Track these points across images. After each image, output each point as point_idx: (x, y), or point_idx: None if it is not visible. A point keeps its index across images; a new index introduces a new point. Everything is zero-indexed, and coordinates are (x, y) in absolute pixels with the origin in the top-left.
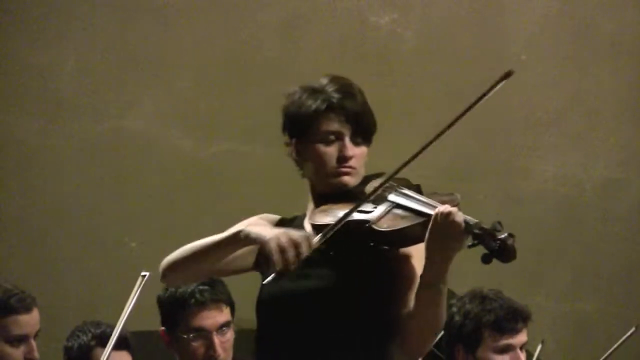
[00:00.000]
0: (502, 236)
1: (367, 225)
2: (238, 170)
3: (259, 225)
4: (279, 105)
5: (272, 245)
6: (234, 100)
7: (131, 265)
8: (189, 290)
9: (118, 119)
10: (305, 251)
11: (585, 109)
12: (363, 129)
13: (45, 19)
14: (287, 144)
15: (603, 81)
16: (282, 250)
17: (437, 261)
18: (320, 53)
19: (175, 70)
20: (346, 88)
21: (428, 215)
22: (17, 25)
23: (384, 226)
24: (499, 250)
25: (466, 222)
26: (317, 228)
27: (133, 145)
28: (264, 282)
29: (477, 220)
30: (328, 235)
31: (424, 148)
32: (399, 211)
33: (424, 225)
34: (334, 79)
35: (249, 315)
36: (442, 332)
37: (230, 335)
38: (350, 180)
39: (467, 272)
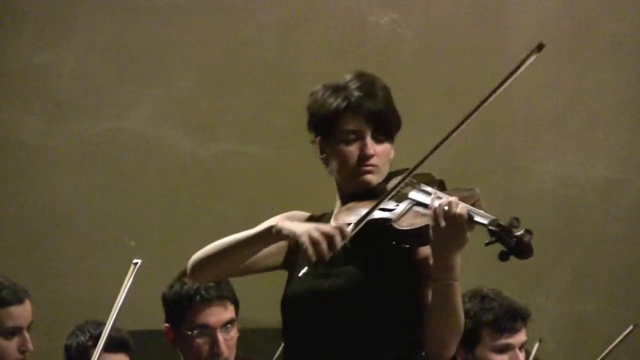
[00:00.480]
0: (519, 233)
1: (388, 224)
2: (238, 170)
3: (291, 221)
4: (279, 105)
5: (305, 238)
6: (234, 100)
7: (130, 264)
8: (195, 287)
9: (118, 118)
10: (338, 242)
11: (585, 109)
12: (384, 126)
13: (45, 19)
14: (313, 142)
15: (603, 81)
16: (315, 242)
17: (442, 255)
18: (320, 53)
19: (175, 70)
20: (368, 85)
21: None
22: (17, 25)
23: (404, 225)
24: (515, 247)
25: (480, 219)
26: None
27: (133, 145)
28: (299, 275)
29: (493, 217)
30: (360, 226)
31: (449, 135)
32: (419, 209)
33: None
34: (358, 76)
35: (249, 314)
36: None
37: (234, 333)
38: (373, 179)
39: (467, 272)
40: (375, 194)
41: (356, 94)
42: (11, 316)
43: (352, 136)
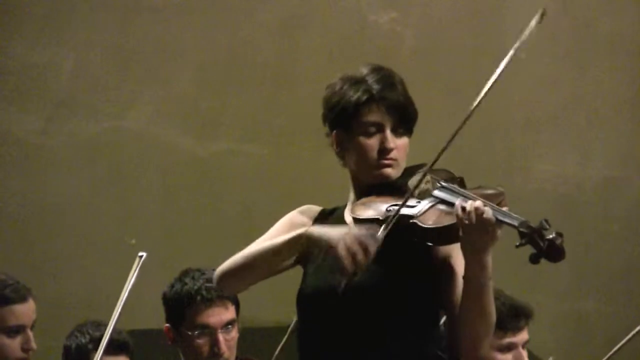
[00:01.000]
0: (551, 236)
1: (412, 221)
2: (237, 169)
3: (320, 228)
4: (279, 104)
5: (341, 249)
6: (234, 100)
7: (131, 264)
8: (196, 287)
9: (118, 118)
10: (373, 250)
11: (585, 108)
12: (405, 119)
13: (45, 19)
14: (328, 135)
15: (602, 80)
16: (351, 252)
17: (471, 257)
18: (320, 52)
19: (175, 70)
20: (387, 78)
21: None
22: (17, 25)
23: (428, 222)
24: (547, 250)
25: (510, 220)
26: (358, 222)
27: (133, 145)
28: (339, 289)
29: (523, 219)
30: (389, 228)
31: (465, 121)
32: (443, 207)
33: None
34: (375, 69)
35: (249, 314)
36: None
37: (234, 333)
38: (392, 173)
39: None
40: (394, 189)
41: (376, 86)
42: (15, 314)
43: (373, 129)
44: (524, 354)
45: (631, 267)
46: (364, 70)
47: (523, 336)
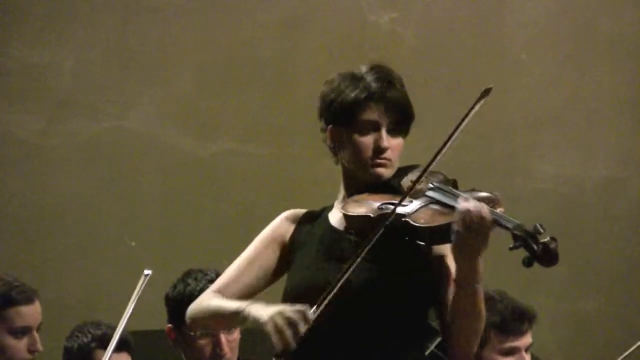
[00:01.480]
0: (545, 240)
1: (404, 219)
2: (238, 170)
3: (256, 306)
4: (279, 104)
5: (269, 328)
6: (234, 100)
7: (131, 264)
8: (198, 288)
9: (118, 118)
10: (302, 328)
11: (585, 108)
12: (402, 119)
13: (45, 19)
14: (323, 130)
15: (602, 80)
16: (279, 331)
17: (463, 260)
18: (320, 53)
19: (175, 70)
20: (386, 77)
21: None
22: (17, 25)
23: (420, 221)
24: (541, 254)
25: (505, 223)
26: (349, 218)
27: (133, 145)
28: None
29: (518, 222)
30: (324, 303)
31: (456, 129)
32: (436, 207)
33: None
34: (375, 67)
35: None
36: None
37: (237, 334)
38: (385, 172)
39: None
40: (386, 188)
41: (375, 84)
42: (21, 316)
43: (369, 127)
44: (527, 357)
45: (631, 268)
46: (364, 68)
47: (526, 340)
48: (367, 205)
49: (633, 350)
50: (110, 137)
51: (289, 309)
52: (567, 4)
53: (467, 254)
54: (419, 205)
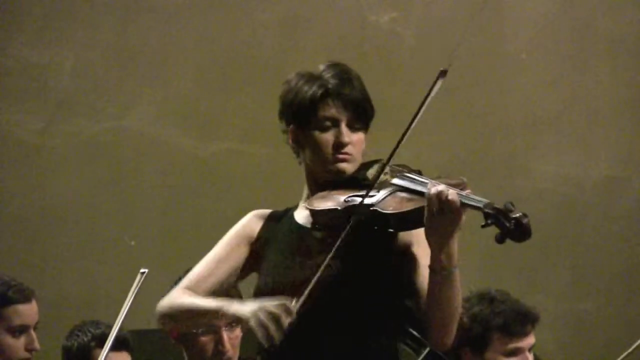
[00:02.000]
0: (517, 215)
1: (372, 208)
2: (238, 170)
3: (236, 303)
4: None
5: (253, 324)
6: (234, 100)
7: (130, 264)
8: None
9: (118, 118)
10: (285, 322)
11: (585, 108)
12: (360, 115)
13: (45, 19)
14: (284, 131)
15: (602, 80)
16: (263, 326)
17: (437, 244)
18: (320, 52)
19: (175, 70)
20: (343, 74)
21: None
22: (17, 25)
23: (389, 209)
24: (513, 229)
25: (475, 202)
26: (315, 213)
27: (133, 145)
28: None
29: (488, 201)
30: (305, 296)
31: (412, 122)
32: (403, 194)
33: None
34: (332, 65)
35: None
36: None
37: (238, 332)
38: (348, 167)
39: (467, 271)
40: (350, 183)
41: (332, 81)
42: (19, 314)
43: (328, 123)
44: (530, 357)
45: (631, 268)
46: (321, 67)
47: (529, 340)
48: (333, 199)
49: (633, 350)
50: (110, 137)
51: (270, 304)
52: (567, 4)
53: (440, 237)
54: (386, 194)
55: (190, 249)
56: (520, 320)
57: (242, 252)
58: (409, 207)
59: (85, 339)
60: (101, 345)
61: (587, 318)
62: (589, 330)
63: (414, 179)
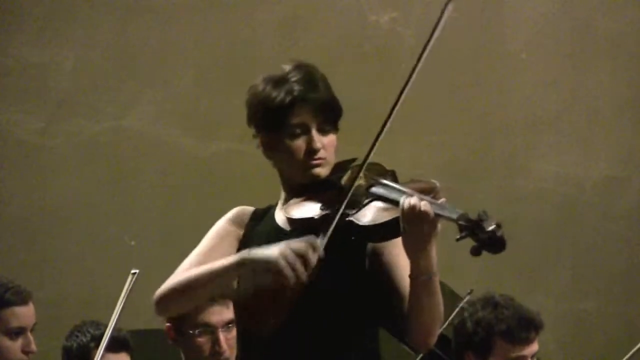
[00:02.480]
0: (491, 228)
1: (348, 219)
2: (238, 169)
3: (256, 249)
4: None
5: (282, 264)
6: (234, 99)
7: (130, 264)
8: None
9: (118, 118)
10: (312, 259)
11: (585, 108)
12: (329, 117)
13: (45, 19)
14: (255, 137)
15: (602, 80)
16: (291, 266)
17: (414, 253)
18: (320, 52)
19: (175, 69)
20: (308, 77)
21: None
22: (17, 25)
23: (365, 220)
24: (488, 242)
25: (448, 214)
26: (292, 221)
27: (133, 145)
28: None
29: (462, 212)
30: (329, 233)
31: (390, 114)
32: (379, 204)
33: None
34: (297, 67)
35: None
36: (452, 339)
37: (235, 332)
38: (322, 171)
39: (467, 272)
40: (325, 187)
41: (297, 87)
42: (16, 316)
43: (298, 130)
44: None
45: (631, 267)
46: (287, 68)
47: (533, 348)
48: (310, 207)
49: (634, 351)
50: (110, 137)
51: (296, 242)
52: (567, 3)
53: (416, 246)
54: (362, 204)
55: (190, 249)
56: (523, 327)
57: (231, 244)
58: (385, 217)
59: (85, 340)
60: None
61: (587, 318)
62: (589, 330)
63: (389, 185)
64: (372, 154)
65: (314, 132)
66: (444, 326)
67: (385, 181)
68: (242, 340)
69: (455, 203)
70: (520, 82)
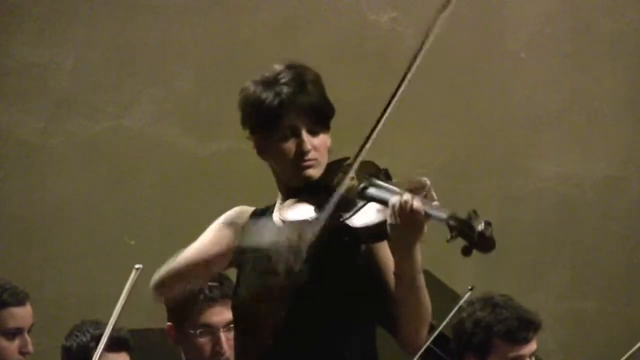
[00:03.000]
0: (480, 227)
1: (341, 220)
2: (238, 169)
3: (251, 238)
4: None
5: (271, 251)
6: (234, 99)
7: (130, 263)
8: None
9: (118, 117)
10: (309, 236)
11: (585, 107)
12: (319, 119)
13: (45, 19)
14: (248, 138)
15: (603, 80)
16: (290, 242)
17: (400, 253)
18: (320, 52)
19: (175, 69)
20: (298, 78)
21: None
22: (17, 25)
23: (358, 223)
24: (478, 241)
25: (438, 214)
26: (288, 224)
27: (133, 144)
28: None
29: (451, 212)
30: (319, 234)
31: (385, 110)
32: (372, 205)
33: None
34: (287, 68)
35: None
36: (452, 339)
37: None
38: (314, 173)
39: (466, 271)
40: (318, 188)
41: (286, 89)
42: (13, 317)
43: (288, 133)
44: None
45: (631, 267)
46: (277, 68)
47: (531, 347)
48: (303, 209)
49: (634, 351)
50: (110, 137)
51: (285, 232)
52: (567, 3)
53: (402, 246)
54: (355, 205)
55: None
56: (522, 327)
57: (231, 241)
58: (376, 219)
59: (85, 339)
60: None
61: (587, 318)
62: (589, 330)
63: (382, 185)
64: (362, 154)
65: (304, 134)
66: (443, 325)
67: (377, 181)
68: (241, 340)
69: (455, 203)
70: (520, 82)
